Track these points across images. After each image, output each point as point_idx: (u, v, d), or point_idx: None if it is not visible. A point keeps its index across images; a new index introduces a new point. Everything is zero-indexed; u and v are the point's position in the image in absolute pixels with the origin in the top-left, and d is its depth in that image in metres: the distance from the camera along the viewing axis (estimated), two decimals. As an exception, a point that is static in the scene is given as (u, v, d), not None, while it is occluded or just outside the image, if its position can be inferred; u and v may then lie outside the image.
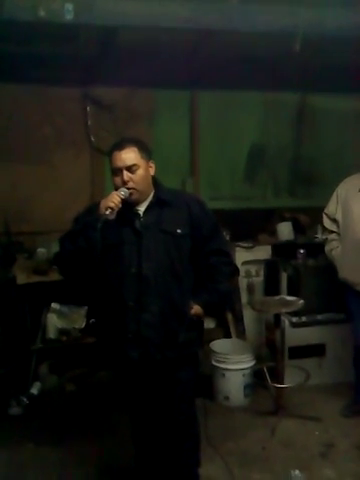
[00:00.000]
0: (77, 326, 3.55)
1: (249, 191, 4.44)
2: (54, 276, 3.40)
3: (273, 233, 4.20)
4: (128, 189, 2.15)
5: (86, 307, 3.61)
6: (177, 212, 2.25)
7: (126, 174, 2.15)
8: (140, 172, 2.17)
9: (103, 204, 2.10)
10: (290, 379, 3.48)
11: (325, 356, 3.75)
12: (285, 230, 4.13)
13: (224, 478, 2.68)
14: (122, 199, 2.12)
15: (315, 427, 3.16)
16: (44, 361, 3.56)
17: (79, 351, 3.55)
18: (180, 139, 4.21)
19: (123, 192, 2.13)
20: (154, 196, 2.25)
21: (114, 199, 2.10)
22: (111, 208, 2.08)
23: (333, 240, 3.28)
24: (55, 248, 3.53)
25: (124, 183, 2.15)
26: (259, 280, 4.09)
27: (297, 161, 4.52)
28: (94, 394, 3.48)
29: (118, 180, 2.17)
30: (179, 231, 2.22)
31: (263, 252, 4.06)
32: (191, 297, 2.28)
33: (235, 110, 4.30)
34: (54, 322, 3.53)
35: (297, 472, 2.67)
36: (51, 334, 3.52)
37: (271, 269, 4.00)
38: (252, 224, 4.23)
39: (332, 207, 3.27)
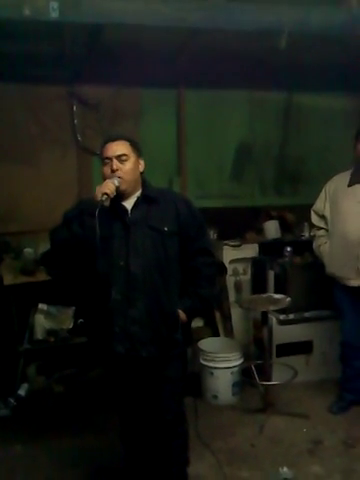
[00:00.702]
0: (65, 327, 3.53)
1: (236, 189, 4.44)
2: (41, 276, 3.40)
3: (260, 231, 4.22)
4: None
5: (74, 308, 3.59)
6: (164, 210, 2.26)
7: (115, 163, 2.17)
8: (129, 164, 2.20)
9: (98, 190, 2.11)
10: (278, 376, 3.51)
11: (312, 353, 3.77)
12: (272, 228, 4.15)
13: (213, 476, 2.68)
14: (116, 186, 2.14)
15: (303, 424, 3.18)
16: (32, 362, 3.53)
17: (67, 352, 3.53)
18: (167, 138, 4.20)
19: (116, 180, 2.15)
20: (141, 193, 2.27)
21: (109, 186, 2.12)
22: (107, 194, 2.09)
23: (321, 236, 3.31)
24: (42, 248, 3.56)
25: (112, 171, 2.17)
26: (246, 278, 4.11)
27: (283, 159, 4.54)
28: (82, 395, 3.46)
29: (107, 169, 2.19)
30: (166, 229, 2.23)
31: (250, 250, 4.07)
32: (177, 299, 2.28)
33: (222, 108, 4.30)
34: (42, 323, 3.50)
35: (285, 469, 2.69)
36: (39, 335, 3.49)
37: (258, 267, 4.02)
38: (239, 222, 4.24)
39: (320, 204, 3.31)
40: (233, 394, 3.49)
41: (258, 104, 4.39)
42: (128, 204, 2.24)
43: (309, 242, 3.50)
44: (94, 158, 3.98)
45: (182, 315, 2.28)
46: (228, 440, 3.02)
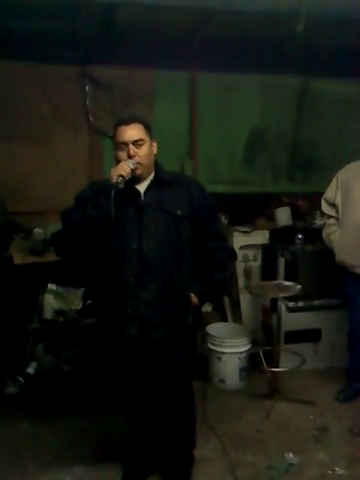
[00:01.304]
0: (74, 307, 3.54)
1: (248, 175, 4.40)
2: (51, 257, 3.39)
3: (271, 218, 4.18)
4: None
5: (83, 289, 3.59)
6: (177, 193, 2.25)
7: (132, 148, 2.16)
8: (145, 148, 2.19)
9: (114, 172, 2.11)
10: (285, 363, 3.50)
11: (321, 341, 3.76)
12: (283, 215, 4.12)
13: (218, 460, 2.70)
14: (132, 169, 2.13)
15: (309, 411, 3.18)
16: (40, 341, 3.56)
17: (75, 332, 3.55)
18: (179, 121, 4.15)
19: (132, 163, 2.14)
20: (154, 176, 2.26)
21: (125, 168, 2.11)
22: (122, 176, 2.09)
23: (331, 225, 3.29)
24: (52, 229, 3.55)
25: (130, 158, 2.15)
26: (256, 265, 4.09)
27: (296, 146, 4.48)
28: (90, 374, 3.49)
29: (123, 155, 2.17)
30: (179, 212, 2.22)
31: (261, 237, 4.05)
32: (190, 283, 2.27)
33: (235, 93, 4.24)
34: (51, 303, 3.52)
35: (291, 455, 2.70)
36: (48, 314, 3.51)
37: (269, 254, 3.99)
38: (250, 209, 4.21)
39: (331, 192, 3.28)
40: (240, 379, 3.49)
41: (272, 89, 4.32)
42: (141, 187, 2.24)
43: (321, 230, 3.46)
44: (105, 140, 3.95)
45: (194, 299, 2.28)
46: (234, 424, 3.03)
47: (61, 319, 3.46)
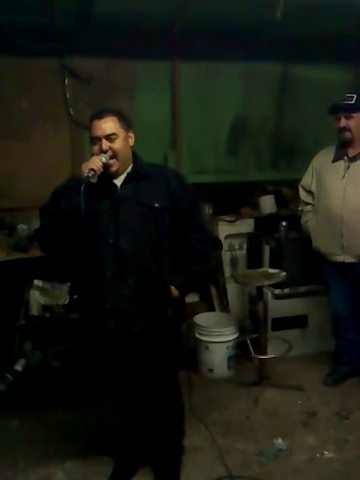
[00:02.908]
0: (60, 302, 3.52)
1: (232, 164, 4.39)
2: (35, 252, 3.37)
3: (256, 206, 4.20)
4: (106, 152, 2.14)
5: (69, 283, 3.58)
6: (155, 186, 2.22)
7: (105, 143, 2.13)
8: (119, 141, 2.16)
9: (85, 166, 2.08)
10: (273, 350, 3.54)
11: (307, 327, 3.80)
12: (268, 203, 4.14)
13: (208, 448, 2.72)
14: (104, 163, 2.11)
15: (297, 396, 3.22)
16: (28, 338, 3.54)
17: (63, 327, 3.54)
18: (161, 112, 4.13)
19: (104, 158, 2.12)
20: (132, 169, 2.23)
21: (96, 162, 2.09)
22: (93, 170, 2.06)
23: (308, 212, 3.32)
24: (36, 224, 3.51)
25: (103, 152, 2.13)
26: (242, 253, 4.11)
27: (279, 133, 4.48)
28: (79, 369, 3.49)
29: (96, 149, 2.15)
30: (157, 205, 2.19)
31: (246, 225, 4.07)
32: (170, 275, 2.26)
33: (217, 81, 4.22)
34: (37, 299, 3.50)
35: (280, 440, 2.73)
36: (34, 311, 3.49)
37: (254, 242, 4.01)
38: (235, 198, 4.22)
39: (307, 179, 3.30)
40: (228, 368, 3.52)
41: (254, 77, 4.31)
42: (118, 181, 2.22)
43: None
44: (87, 133, 3.85)
45: (174, 291, 2.27)
46: (223, 413, 3.05)
47: (48, 315, 3.44)
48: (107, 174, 2.16)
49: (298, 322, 3.78)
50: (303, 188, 3.34)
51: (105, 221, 2.18)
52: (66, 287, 3.57)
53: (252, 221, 4.07)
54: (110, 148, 2.13)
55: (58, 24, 3.50)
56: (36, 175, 3.85)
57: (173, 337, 2.35)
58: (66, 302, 3.54)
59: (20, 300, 3.49)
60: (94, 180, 2.07)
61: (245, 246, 4.11)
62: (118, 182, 2.22)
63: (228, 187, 4.23)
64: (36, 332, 3.55)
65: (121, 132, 2.17)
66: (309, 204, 3.30)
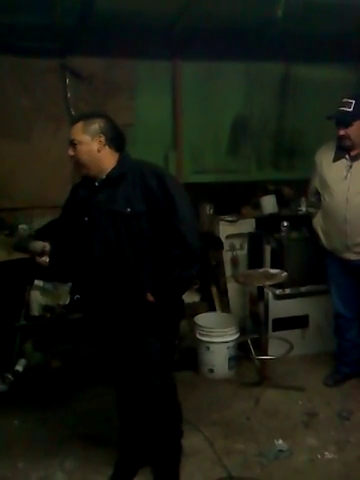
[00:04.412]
0: (61, 303, 3.52)
1: (233, 164, 4.39)
2: (36, 253, 3.37)
3: (257, 206, 4.18)
4: (76, 165, 2.24)
5: (70, 284, 3.58)
6: (131, 189, 2.17)
7: (70, 148, 2.20)
8: (81, 147, 2.17)
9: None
10: (274, 350, 3.53)
11: (308, 327, 3.80)
12: (269, 203, 4.12)
13: (208, 448, 2.71)
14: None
15: (298, 397, 3.21)
16: (29, 338, 3.54)
17: (64, 327, 3.54)
18: (162, 111, 4.12)
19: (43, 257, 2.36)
20: (106, 174, 2.22)
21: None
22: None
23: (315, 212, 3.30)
24: (37, 224, 3.52)
25: (70, 158, 2.22)
26: (243, 253, 4.10)
27: (280, 133, 4.47)
28: (80, 370, 3.48)
29: None
30: (128, 210, 2.14)
31: (247, 225, 4.06)
32: (146, 280, 2.21)
33: (218, 81, 4.21)
34: (38, 299, 3.50)
35: (280, 441, 2.73)
36: (35, 311, 3.49)
37: (255, 242, 4.00)
38: (236, 197, 4.21)
39: (315, 180, 3.27)
40: (229, 368, 3.52)
41: (255, 76, 4.30)
42: (98, 184, 2.25)
43: (306, 217, 3.47)
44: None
45: (150, 297, 2.20)
46: (224, 413, 3.05)
47: (48, 315, 3.44)
48: (89, 179, 2.23)
49: (299, 322, 3.78)
50: (311, 181, 3.32)
51: (85, 229, 2.23)
52: (67, 287, 3.57)
53: (253, 221, 4.06)
54: (73, 155, 2.20)
55: (59, 23, 3.50)
56: (37, 175, 3.84)
57: (159, 341, 2.28)
58: (67, 302, 3.54)
59: (21, 300, 3.48)
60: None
61: (246, 246, 4.10)
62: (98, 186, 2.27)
63: (229, 187, 4.22)
64: (37, 332, 3.54)
65: (85, 137, 2.16)
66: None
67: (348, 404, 3.10)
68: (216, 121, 4.29)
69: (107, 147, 2.20)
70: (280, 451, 2.66)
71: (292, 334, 3.70)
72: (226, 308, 4.00)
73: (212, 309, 3.96)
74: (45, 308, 3.47)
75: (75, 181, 3.79)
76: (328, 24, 3.66)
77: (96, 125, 2.18)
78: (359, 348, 3.33)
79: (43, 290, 3.51)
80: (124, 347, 2.31)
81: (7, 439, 2.85)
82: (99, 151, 2.19)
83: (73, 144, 2.18)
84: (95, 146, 2.17)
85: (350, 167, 3.02)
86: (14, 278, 3.46)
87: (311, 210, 3.39)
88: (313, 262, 3.54)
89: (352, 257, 3.09)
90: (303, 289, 3.73)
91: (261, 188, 4.30)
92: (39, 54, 3.71)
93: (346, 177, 3.01)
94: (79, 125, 2.19)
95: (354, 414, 2.99)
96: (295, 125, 4.46)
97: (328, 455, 2.64)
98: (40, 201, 3.78)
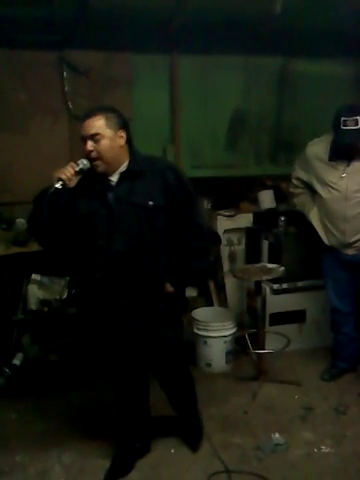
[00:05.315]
0: (58, 297, 3.52)
1: (231, 159, 4.38)
2: (34, 247, 3.36)
3: (255, 201, 4.18)
4: (92, 160, 2.14)
5: (67, 278, 3.57)
6: (151, 183, 2.20)
7: (89, 143, 2.12)
8: (104, 142, 2.13)
9: (55, 174, 2.09)
10: (271, 345, 3.54)
11: (305, 322, 3.81)
12: (266, 198, 4.12)
13: (206, 443, 2.72)
14: (77, 172, 2.12)
15: (295, 391, 3.22)
16: (26, 332, 3.54)
17: (61, 321, 3.54)
18: (160, 105, 4.10)
19: (82, 164, 2.12)
20: (126, 168, 2.21)
21: (67, 171, 2.10)
22: (61, 180, 2.07)
23: (301, 194, 3.32)
24: (34, 218, 3.51)
25: (87, 153, 2.13)
26: (241, 248, 4.11)
27: (278, 127, 4.46)
28: (77, 363, 3.49)
29: (84, 149, 2.15)
30: (151, 203, 2.18)
31: (245, 220, 4.06)
32: (166, 271, 2.27)
33: (216, 75, 4.20)
34: (35, 293, 3.50)
35: (277, 435, 2.74)
36: (32, 305, 3.49)
37: (252, 237, 4.01)
38: (234, 192, 4.20)
39: (300, 171, 3.29)
40: (226, 362, 3.53)
41: (254, 70, 4.29)
42: (114, 179, 2.22)
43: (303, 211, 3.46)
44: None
45: (169, 287, 2.27)
46: (221, 407, 3.06)
47: (46, 309, 3.44)
48: (96, 174, 2.17)
49: (296, 317, 3.79)
50: (297, 179, 3.31)
51: (96, 223, 2.19)
52: (64, 281, 3.57)
53: (251, 216, 4.06)
54: (94, 149, 2.12)
55: (57, 17, 3.47)
56: (34, 168, 3.82)
57: (172, 329, 2.39)
58: (64, 296, 3.54)
59: (18, 294, 3.48)
60: (70, 185, 2.09)
61: (244, 241, 4.10)
62: (113, 180, 2.22)
63: (227, 181, 4.21)
64: (34, 326, 3.55)
65: (107, 131, 2.13)
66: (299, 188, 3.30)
67: (344, 398, 3.11)
68: (214, 115, 4.28)
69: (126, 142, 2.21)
70: (277, 445, 2.67)
71: (289, 329, 3.71)
72: (224, 303, 4.00)
73: (210, 304, 3.96)
74: (42, 302, 3.47)
75: None
76: (326, 19, 3.65)
77: (116, 120, 2.17)
78: (355, 342, 3.35)
79: (40, 284, 3.51)
80: (140, 338, 2.33)
81: (4, 433, 2.85)
82: (121, 147, 2.18)
83: (94, 139, 2.12)
84: (118, 141, 2.17)
85: (347, 165, 3.00)
86: (11, 272, 3.46)
87: (299, 206, 3.38)
88: (310, 257, 3.54)
89: (349, 252, 3.10)
90: (300, 284, 3.74)
91: (259, 183, 4.29)
92: (37, 47, 3.69)
93: (344, 175, 2.99)
94: (99, 119, 2.13)
95: (350, 408, 3.01)
96: (293, 120, 4.44)
97: (324, 449, 2.65)
98: (38, 195, 3.77)
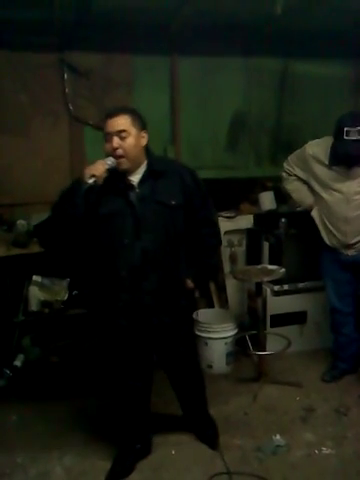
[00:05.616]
0: (59, 298, 3.52)
1: (231, 160, 4.39)
2: (34, 248, 3.38)
3: (255, 202, 4.19)
4: (117, 158, 2.17)
5: (68, 279, 3.58)
6: (170, 183, 2.28)
7: (116, 140, 2.16)
8: (130, 140, 2.18)
9: (87, 171, 2.12)
10: (272, 346, 3.54)
11: (306, 323, 3.80)
12: (267, 199, 4.12)
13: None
14: (107, 169, 2.14)
15: (296, 392, 3.22)
16: (27, 333, 3.54)
17: (62, 323, 3.54)
18: (160, 106, 4.11)
19: (110, 161, 2.15)
20: (147, 167, 2.26)
21: (99, 167, 2.12)
22: (94, 176, 2.10)
23: (294, 180, 3.27)
24: (35, 220, 3.52)
25: (114, 149, 2.16)
26: (241, 249, 4.11)
27: (279, 129, 4.47)
28: (78, 365, 3.49)
29: (108, 146, 2.19)
30: (173, 202, 2.26)
31: (245, 221, 4.06)
32: (185, 268, 2.38)
33: (217, 76, 4.21)
34: (36, 294, 3.49)
35: (278, 436, 2.74)
36: (33, 307, 3.48)
37: (253, 238, 4.01)
38: (234, 193, 4.21)
39: (296, 169, 3.25)
40: (227, 364, 3.52)
41: (254, 72, 4.30)
42: (134, 178, 2.25)
43: (304, 213, 3.46)
44: (86, 128, 3.92)
45: (190, 283, 2.40)
46: (222, 408, 3.05)
47: (47, 311, 3.44)
48: (118, 173, 2.19)
49: (297, 318, 3.78)
50: (290, 166, 3.27)
51: (120, 222, 2.21)
52: (65, 283, 3.57)
53: (251, 217, 4.06)
54: (120, 146, 2.16)
55: (57, 19, 3.49)
56: (35, 171, 3.85)
57: (187, 325, 2.55)
58: (65, 298, 3.54)
59: (19, 296, 3.48)
60: (100, 182, 2.11)
61: (244, 242, 4.10)
62: (135, 180, 2.25)
63: (227, 183, 4.22)
64: (35, 328, 3.55)
65: (133, 130, 2.19)
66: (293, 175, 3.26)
67: (345, 400, 3.11)
68: (214, 117, 4.29)
69: None
70: (278, 446, 2.67)
71: (290, 330, 3.71)
72: (224, 304, 4.00)
73: (210, 305, 3.96)
74: (43, 304, 3.47)
75: (73, 176, 3.92)
76: (327, 20, 3.67)
77: (140, 120, 2.24)
78: (355, 343, 3.35)
79: (41, 286, 3.51)
80: (160, 334, 2.39)
81: (5, 434, 2.85)
82: (143, 147, 2.25)
83: (121, 135, 2.16)
84: (141, 141, 2.24)
85: (348, 169, 2.97)
86: (12, 274, 3.46)
87: (293, 192, 3.34)
88: (311, 258, 3.54)
89: (350, 253, 3.10)
90: (301, 285, 3.74)
91: (259, 184, 4.30)
92: (38, 49, 3.71)
93: (345, 178, 2.99)
94: (127, 117, 2.18)
95: (351, 410, 3.00)
96: (293, 121, 4.46)
97: (325, 450, 2.65)
98: (38, 196, 3.77)
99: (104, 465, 2.53)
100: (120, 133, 2.15)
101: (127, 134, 2.16)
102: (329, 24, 3.73)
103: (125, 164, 2.19)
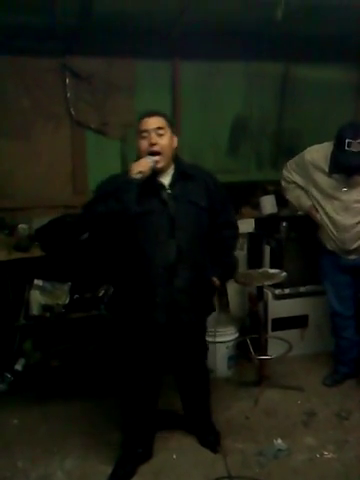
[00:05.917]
0: (60, 302, 3.52)
1: (232, 164, 4.39)
2: (36, 252, 3.38)
3: (256, 206, 4.19)
4: (153, 155, 2.24)
5: (69, 283, 3.58)
6: (197, 186, 2.37)
7: (154, 136, 2.24)
8: (166, 138, 2.28)
9: (135, 167, 2.19)
10: (273, 350, 3.54)
11: (307, 327, 3.80)
12: (268, 203, 4.13)
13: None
14: (151, 166, 2.22)
15: (297, 396, 3.22)
16: (28, 337, 3.54)
17: (63, 327, 3.54)
18: (162, 110, 4.11)
19: (152, 160, 2.23)
20: (175, 169, 2.35)
21: (145, 164, 2.20)
22: (141, 172, 2.17)
23: (296, 188, 3.28)
24: (36, 224, 3.53)
25: (151, 145, 2.23)
26: (242, 253, 4.10)
27: (280, 133, 4.47)
28: (79, 369, 3.49)
29: (145, 143, 2.26)
30: (202, 204, 2.35)
31: (247, 225, 4.05)
32: (210, 267, 2.46)
33: (218, 81, 4.22)
34: (37, 298, 3.49)
35: (279, 441, 2.73)
36: (34, 310, 3.48)
37: (254, 242, 4.01)
38: (235, 197, 4.18)
39: (296, 175, 3.26)
40: (228, 368, 3.52)
41: (255, 76, 4.30)
42: (164, 179, 2.33)
43: (305, 217, 3.46)
44: (87, 132, 3.93)
45: (217, 282, 2.48)
46: (223, 413, 3.05)
47: (48, 314, 3.43)
48: (152, 173, 2.25)
49: (298, 322, 3.78)
50: (289, 173, 3.29)
51: (154, 220, 2.26)
52: (66, 287, 3.57)
53: (253, 221, 4.06)
54: (158, 142, 2.23)
55: (59, 24, 3.50)
56: (36, 175, 3.85)
57: (205, 324, 2.66)
58: (66, 302, 3.53)
59: (20, 300, 3.48)
60: (144, 179, 2.18)
61: (245, 246, 4.10)
62: (165, 181, 2.32)
63: (228, 187, 4.16)
64: (36, 332, 3.55)
65: (168, 130, 2.30)
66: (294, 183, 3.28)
67: (347, 404, 3.11)
68: (216, 121, 4.29)
69: None
70: (279, 450, 2.67)
71: (291, 334, 3.70)
72: (225, 308, 4.00)
73: (211, 309, 3.95)
74: (44, 307, 3.46)
75: (74, 181, 3.94)
76: (327, 25, 3.67)
77: (171, 125, 2.35)
78: (357, 346, 3.34)
79: (42, 289, 3.51)
80: (186, 332, 2.45)
81: (7, 438, 2.85)
82: (174, 149, 2.35)
83: (159, 132, 2.25)
84: (173, 143, 2.35)
85: (348, 178, 2.97)
86: (13, 277, 3.46)
87: (293, 200, 3.35)
88: (312, 262, 3.53)
89: (350, 257, 3.10)
90: (302, 289, 3.73)
91: (261, 188, 4.30)
92: (39, 54, 3.71)
93: (345, 188, 3.00)
94: (162, 118, 2.30)
95: (353, 414, 3.00)
96: (294, 125, 4.46)
97: (327, 454, 2.65)
98: (40, 201, 3.79)
99: (105, 469, 2.53)
100: (158, 130, 2.25)
101: (164, 132, 2.27)
102: (330, 29, 3.73)
103: (161, 162, 2.28)
